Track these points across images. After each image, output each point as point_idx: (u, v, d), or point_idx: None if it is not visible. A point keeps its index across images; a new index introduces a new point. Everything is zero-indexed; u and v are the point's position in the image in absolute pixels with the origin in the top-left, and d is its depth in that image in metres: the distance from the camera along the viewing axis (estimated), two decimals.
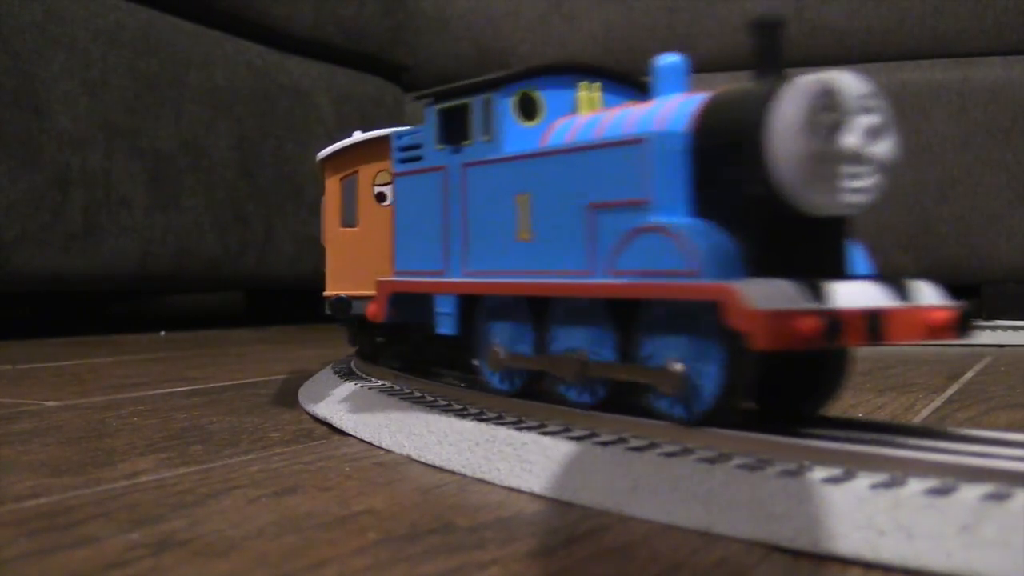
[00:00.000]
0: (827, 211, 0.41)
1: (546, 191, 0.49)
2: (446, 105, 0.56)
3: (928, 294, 0.41)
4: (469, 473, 0.46)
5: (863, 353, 0.59)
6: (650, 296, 0.43)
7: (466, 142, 0.54)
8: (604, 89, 0.55)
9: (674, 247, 0.41)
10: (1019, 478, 0.33)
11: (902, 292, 0.41)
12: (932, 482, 0.34)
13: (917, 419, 0.62)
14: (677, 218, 0.43)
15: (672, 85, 0.49)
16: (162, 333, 1.56)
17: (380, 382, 0.65)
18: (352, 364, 0.75)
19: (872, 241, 0.49)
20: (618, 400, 0.47)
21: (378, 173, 0.69)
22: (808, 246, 0.42)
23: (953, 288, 0.44)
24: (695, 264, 0.40)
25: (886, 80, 1.58)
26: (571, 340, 0.49)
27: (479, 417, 0.51)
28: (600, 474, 0.41)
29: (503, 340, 0.53)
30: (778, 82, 0.41)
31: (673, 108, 0.46)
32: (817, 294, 0.38)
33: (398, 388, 0.62)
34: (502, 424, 0.49)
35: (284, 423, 0.62)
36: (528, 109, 0.53)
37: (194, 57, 1.58)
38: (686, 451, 0.41)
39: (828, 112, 0.40)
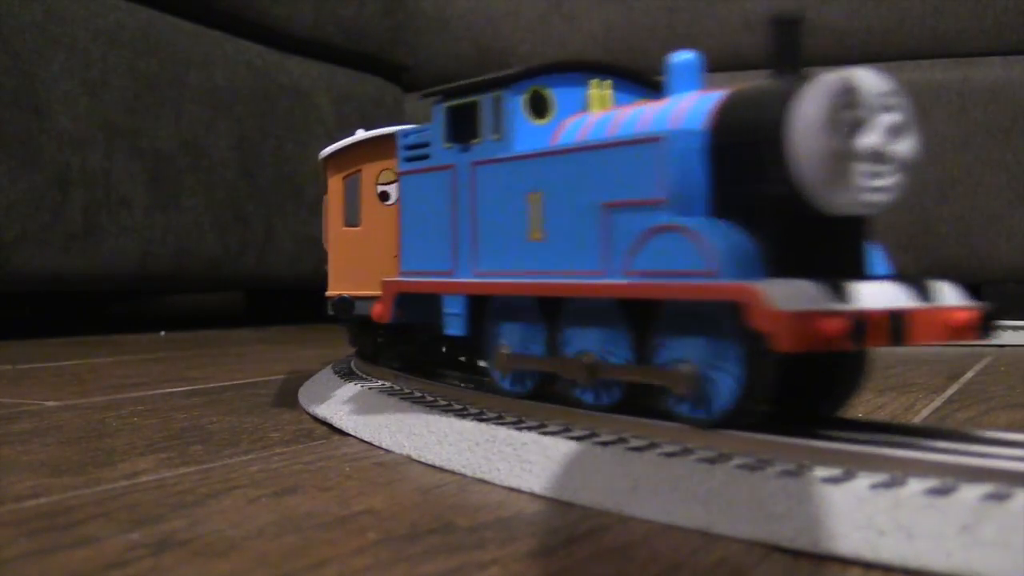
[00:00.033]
0: (847, 210, 0.41)
1: (559, 190, 0.48)
2: (454, 103, 0.55)
3: (949, 294, 0.41)
4: (469, 473, 0.46)
5: None
6: (668, 297, 0.42)
7: (475, 140, 0.53)
8: (615, 87, 0.54)
9: (692, 247, 0.41)
10: (1019, 478, 0.33)
11: (923, 292, 0.40)
12: (932, 482, 0.34)
13: (917, 419, 0.62)
14: (695, 217, 0.42)
15: (686, 83, 0.48)
16: (162, 333, 1.56)
17: (380, 382, 0.65)
18: (352, 364, 0.75)
19: (872, 241, 0.48)
20: (634, 403, 0.46)
21: (381, 172, 0.69)
22: (827, 246, 0.42)
23: None
24: (714, 264, 0.40)
25: None
26: (584, 342, 0.48)
27: (479, 417, 0.51)
28: (600, 474, 0.41)
29: (513, 341, 0.53)
30: (798, 80, 0.40)
31: (689, 106, 0.45)
32: (840, 294, 0.38)
33: (398, 388, 0.62)
34: (502, 424, 0.49)
35: (284, 423, 0.62)
36: (539, 107, 0.52)
37: (194, 57, 1.58)
38: (686, 451, 0.41)
39: (849, 110, 0.39)
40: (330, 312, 0.71)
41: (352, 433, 0.57)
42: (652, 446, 0.42)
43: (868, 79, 0.40)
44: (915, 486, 0.34)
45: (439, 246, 0.56)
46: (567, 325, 0.49)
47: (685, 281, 0.41)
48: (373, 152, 0.69)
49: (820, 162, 0.39)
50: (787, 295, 0.37)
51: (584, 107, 0.53)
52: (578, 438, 0.45)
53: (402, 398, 0.58)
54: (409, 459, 0.50)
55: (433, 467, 0.48)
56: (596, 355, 0.47)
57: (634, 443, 0.43)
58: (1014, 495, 0.32)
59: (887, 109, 0.40)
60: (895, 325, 0.38)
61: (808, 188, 0.40)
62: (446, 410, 0.54)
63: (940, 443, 0.39)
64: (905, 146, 0.41)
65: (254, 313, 2.05)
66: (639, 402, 0.46)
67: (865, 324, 0.37)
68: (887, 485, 0.35)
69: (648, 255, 0.43)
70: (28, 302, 2.04)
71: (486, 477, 0.45)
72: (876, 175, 0.40)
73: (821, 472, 0.36)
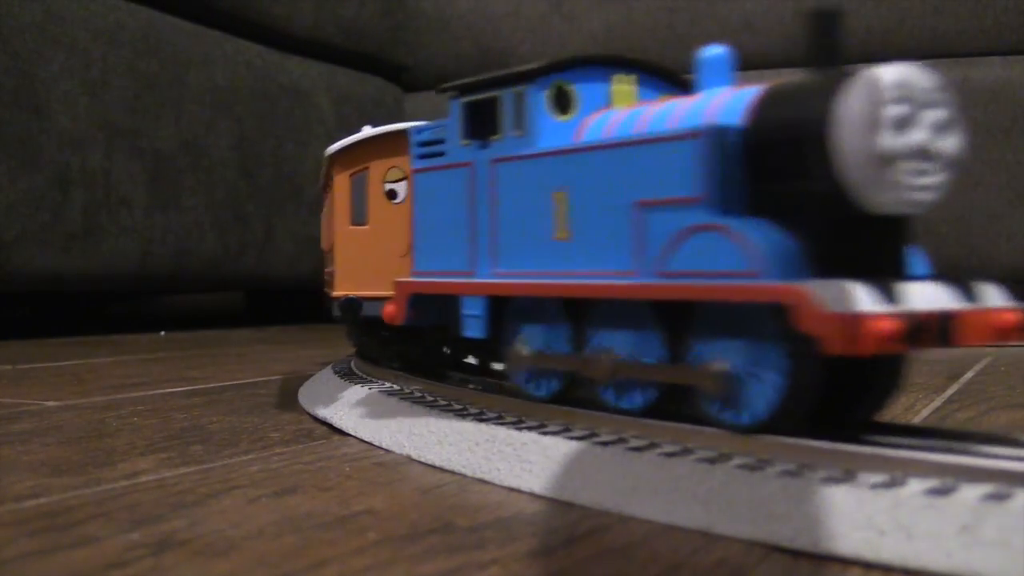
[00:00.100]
0: (892, 209, 0.39)
1: (587, 188, 0.47)
2: (473, 98, 0.53)
3: (994, 295, 0.39)
4: (469, 473, 0.46)
5: None
6: (709, 298, 0.41)
7: (495, 137, 0.52)
8: (638, 82, 0.52)
9: (733, 247, 0.39)
10: (1019, 478, 0.33)
11: (968, 293, 0.39)
12: (932, 482, 0.34)
13: (917, 419, 0.62)
14: (735, 216, 0.41)
15: (717, 78, 0.46)
16: (162, 333, 1.56)
17: (380, 382, 0.65)
18: (352, 364, 0.75)
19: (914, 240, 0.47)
20: (667, 408, 0.45)
21: (389, 169, 0.68)
22: (869, 245, 0.40)
23: None
24: (757, 265, 0.38)
25: None
26: (613, 345, 0.47)
27: (479, 417, 0.51)
28: (600, 474, 0.41)
29: (535, 344, 0.51)
30: (839, 75, 0.39)
31: (723, 102, 0.44)
32: (890, 295, 0.36)
33: (398, 388, 0.62)
34: (502, 424, 0.49)
35: (284, 423, 0.62)
36: (562, 102, 0.51)
37: (194, 57, 1.58)
38: (686, 451, 0.41)
39: (895, 106, 0.38)
40: (336, 313, 0.70)
41: (352, 433, 0.57)
42: (652, 446, 0.42)
43: (914, 74, 0.39)
44: (915, 486, 0.34)
45: (455, 246, 0.54)
46: (594, 327, 0.48)
47: (727, 282, 0.39)
48: (381, 149, 0.67)
49: (866, 160, 0.38)
50: (838, 296, 0.35)
51: (607, 103, 0.51)
52: (578, 438, 0.45)
53: (402, 398, 0.58)
54: (409, 459, 0.50)
55: (433, 467, 0.48)
56: (623, 356, 0.46)
57: (634, 443, 0.43)
58: (1014, 495, 0.32)
59: (933, 105, 0.39)
60: (943, 326, 0.37)
61: (853, 187, 0.38)
62: (446, 410, 0.54)
63: (940, 443, 0.39)
64: (951, 143, 0.39)
65: (254, 313, 2.05)
66: (672, 408, 0.45)
67: (920, 326, 0.36)
68: (887, 485, 0.35)
69: (685, 255, 0.41)
70: (28, 302, 2.04)
71: (486, 477, 0.45)
72: (922, 173, 0.39)
73: (821, 472, 0.36)
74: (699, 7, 1.78)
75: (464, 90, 0.54)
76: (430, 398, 0.58)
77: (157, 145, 1.51)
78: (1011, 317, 0.39)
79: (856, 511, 0.34)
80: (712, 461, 0.39)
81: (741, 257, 0.39)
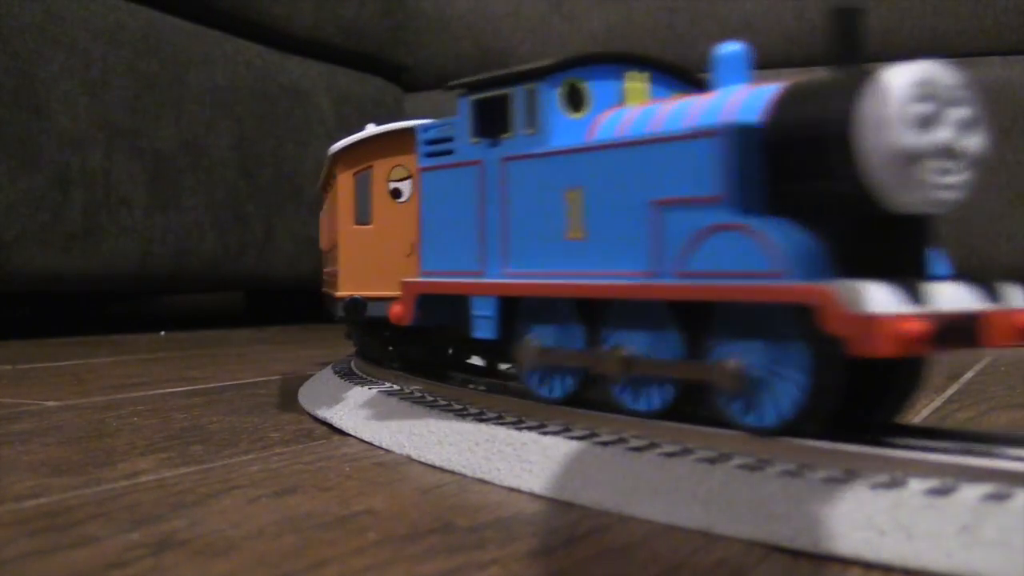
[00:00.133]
0: (916, 209, 0.38)
1: (602, 187, 0.46)
2: (482, 96, 0.52)
3: (1018, 296, 0.39)
4: (469, 473, 0.46)
5: None
6: (732, 299, 0.40)
7: (506, 135, 0.51)
8: (651, 80, 0.52)
9: (755, 246, 0.38)
10: (1019, 478, 0.33)
11: (992, 294, 0.38)
12: (932, 482, 0.34)
13: (917, 419, 0.62)
14: (755, 216, 0.40)
15: (734, 76, 0.45)
16: (162, 333, 1.56)
17: (380, 382, 0.65)
18: (352, 364, 0.75)
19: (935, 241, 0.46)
20: (683, 411, 0.44)
21: (393, 168, 0.67)
22: (892, 245, 0.40)
23: None
24: (781, 264, 0.38)
25: None
26: (629, 346, 0.46)
27: (479, 417, 0.51)
28: (600, 474, 0.41)
29: (548, 346, 0.50)
30: (861, 73, 0.38)
31: (741, 99, 0.43)
32: (916, 296, 0.36)
33: (398, 388, 0.62)
34: (502, 424, 0.49)
35: (284, 423, 0.62)
36: (575, 100, 0.50)
37: (194, 57, 1.58)
38: (686, 451, 0.41)
39: (920, 104, 0.37)
40: (340, 314, 0.69)
41: (352, 433, 0.57)
42: (652, 446, 0.42)
43: (938, 71, 0.38)
44: (915, 486, 0.34)
45: (464, 245, 0.53)
46: (609, 328, 0.47)
47: (750, 283, 0.39)
48: (385, 148, 0.67)
49: (890, 159, 0.37)
50: (865, 297, 0.35)
51: (620, 101, 0.50)
52: (578, 438, 0.45)
53: (402, 398, 0.58)
54: (409, 459, 0.50)
55: (433, 467, 0.48)
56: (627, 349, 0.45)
57: (634, 443, 0.43)
58: (1014, 495, 0.32)
59: (957, 103, 0.38)
60: (970, 328, 0.37)
61: (877, 186, 0.37)
62: (446, 410, 0.54)
63: (940, 443, 0.39)
64: (975, 142, 0.39)
65: (254, 313, 2.05)
66: (689, 410, 0.44)
67: (949, 327, 0.35)
68: (887, 485, 0.35)
69: (705, 255, 0.41)
70: (28, 302, 2.04)
71: (486, 477, 0.45)
72: (946, 172, 0.38)
73: (821, 472, 0.36)
74: (699, 7, 1.78)
75: (474, 87, 0.53)
76: (430, 398, 0.58)
77: (157, 145, 1.51)
78: None
79: (856, 511, 0.34)
80: (712, 461, 0.39)
81: (763, 257, 0.38)
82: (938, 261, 0.42)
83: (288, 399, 0.73)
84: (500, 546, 0.35)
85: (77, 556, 0.34)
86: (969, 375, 0.86)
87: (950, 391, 0.75)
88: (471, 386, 0.59)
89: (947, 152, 0.38)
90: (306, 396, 0.71)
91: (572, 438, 0.45)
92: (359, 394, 0.62)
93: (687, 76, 0.53)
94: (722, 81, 0.45)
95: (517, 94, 0.50)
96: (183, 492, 0.43)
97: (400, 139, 0.66)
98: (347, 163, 0.69)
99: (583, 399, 0.49)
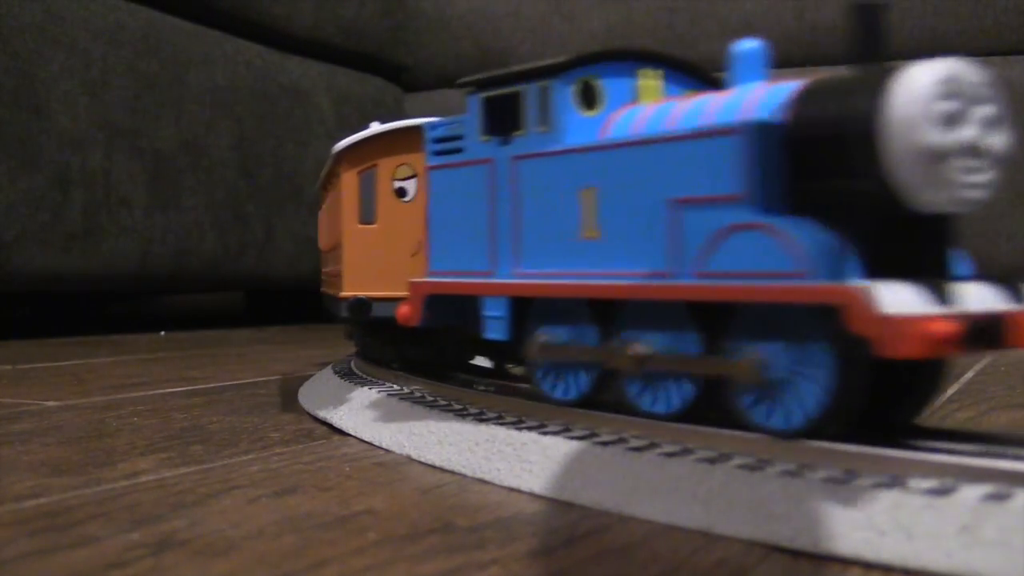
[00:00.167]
0: (942, 208, 0.38)
1: (617, 186, 0.45)
2: (493, 93, 0.51)
3: None
4: (469, 473, 0.46)
5: None
6: (755, 299, 0.39)
7: (518, 133, 0.50)
8: (665, 77, 0.51)
9: (779, 246, 0.38)
10: (1019, 478, 0.33)
11: (1016, 294, 0.38)
12: (932, 482, 0.34)
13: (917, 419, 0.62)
14: (777, 215, 0.39)
15: (751, 73, 0.44)
16: (162, 333, 1.56)
17: (380, 382, 0.65)
18: (352, 364, 0.75)
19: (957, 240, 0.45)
20: (700, 413, 0.43)
21: (398, 167, 0.67)
22: (916, 245, 0.39)
23: None
24: (805, 264, 0.37)
25: None
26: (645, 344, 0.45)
27: (479, 417, 0.51)
28: (600, 474, 0.41)
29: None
30: (885, 70, 0.37)
31: (759, 97, 0.42)
32: (943, 296, 0.35)
33: (398, 388, 0.62)
34: (502, 424, 0.49)
35: (284, 423, 0.62)
36: (588, 98, 0.49)
37: (194, 57, 1.58)
38: (686, 451, 0.41)
39: (945, 101, 0.36)
40: (345, 314, 0.68)
41: (352, 433, 0.57)
42: (652, 446, 0.42)
43: (963, 68, 0.37)
44: (915, 486, 0.34)
45: (474, 245, 0.53)
46: (625, 329, 0.46)
47: (773, 283, 0.38)
48: (390, 146, 0.66)
49: (916, 157, 0.36)
50: (894, 297, 0.34)
51: (633, 98, 0.50)
52: (578, 438, 0.45)
53: (402, 398, 0.58)
54: (409, 459, 0.50)
55: (433, 467, 0.48)
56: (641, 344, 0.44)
57: (634, 443, 0.43)
58: (1014, 495, 0.32)
59: (982, 100, 0.37)
60: (995, 328, 0.36)
61: (902, 185, 0.37)
62: (446, 410, 0.54)
63: (940, 443, 0.39)
64: (1000, 139, 0.38)
65: (254, 313, 2.05)
66: (707, 413, 0.43)
67: (975, 328, 0.35)
68: (887, 485, 0.35)
69: (726, 255, 0.40)
70: (28, 302, 2.04)
71: (486, 477, 0.45)
72: (972, 171, 0.37)
73: (821, 472, 0.36)
74: (699, 7, 1.78)
75: (484, 85, 0.52)
76: (430, 398, 0.58)
77: (157, 145, 1.51)
78: None
79: (856, 511, 0.34)
80: (712, 461, 0.39)
81: (787, 257, 0.37)
82: (960, 261, 0.41)
83: (288, 399, 0.73)
84: (500, 546, 0.35)
85: (77, 556, 0.34)
86: (969, 375, 0.86)
87: (950, 391, 0.75)
88: (481, 388, 0.58)
89: (972, 150, 0.37)
90: (306, 396, 0.71)
91: (572, 438, 0.45)
92: (359, 394, 0.62)
93: (701, 73, 0.52)
94: (738, 79, 0.45)
95: (529, 91, 0.49)
96: (183, 492, 0.43)
97: (405, 137, 0.66)
98: (351, 161, 0.69)
99: (597, 402, 0.48)
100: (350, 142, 0.70)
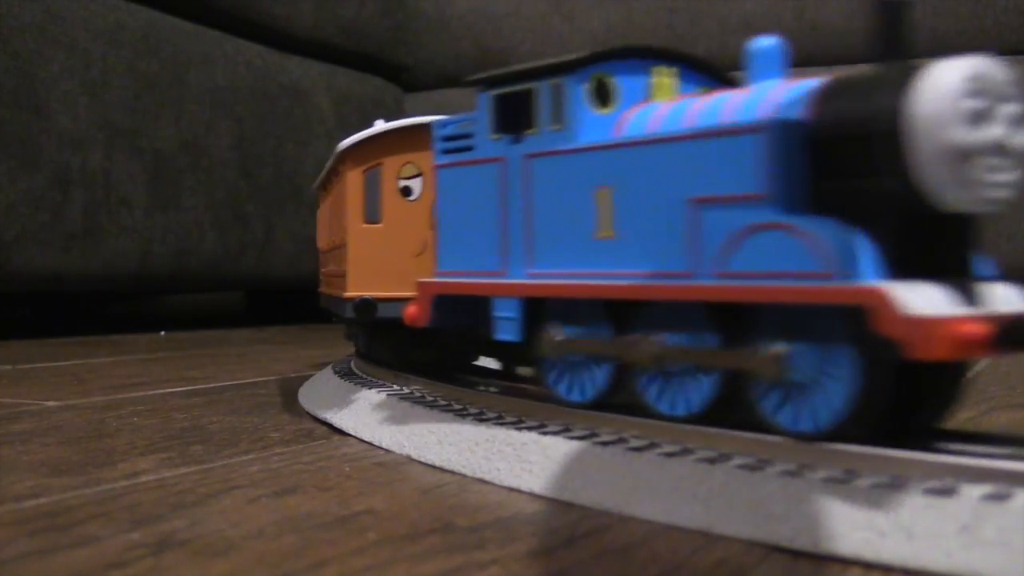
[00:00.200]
0: (967, 208, 0.37)
1: (634, 185, 0.44)
2: (504, 91, 0.50)
3: None
4: (469, 473, 0.46)
5: None
6: (779, 300, 0.38)
7: (531, 131, 0.49)
8: (679, 75, 0.50)
9: (803, 246, 0.37)
10: (1019, 478, 0.33)
11: None
12: (932, 482, 0.34)
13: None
14: (799, 214, 0.38)
15: (769, 71, 0.44)
16: (162, 333, 1.56)
17: (381, 382, 0.65)
18: (352, 364, 0.75)
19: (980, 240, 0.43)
20: (720, 416, 0.42)
21: (403, 166, 0.66)
22: (940, 245, 0.38)
23: None
24: (831, 265, 0.36)
25: None
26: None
27: (479, 417, 0.51)
28: (600, 474, 0.41)
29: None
30: (909, 68, 0.37)
31: (779, 95, 0.41)
32: (971, 297, 0.35)
33: (398, 388, 0.62)
34: (502, 424, 0.49)
35: (284, 423, 0.62)
36: (603, 96, 0.48)
37: (194, 57, 1.58)
38: (686, 451, 0.41)
39: (971, 99, 0.36)
40: (350, 315, 0.68)
41: (352, 433, 0.57)
42: (652, 446, 0.42)
43: (989, 66, 0.36)
44: (915, 486, 0.34)
45: (485, 245, 0.52)
46: (641, 331, 0.45)
47: (798, 283, 0.37)
48: (395, 145, 0.66)
49: (943, 156, 0.35)
50: (922, 298, 0.34)
51: (647, 96, 0.49)
52: (578, 438, 0.45)
53: (402, 398, 0.58)
54: (409, 459, 0.50)
55: (433, 467, 0.48)
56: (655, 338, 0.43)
57: (634, 443, 0.43)
58: (1014, 495, 0.32)
59: (1008, 99, 0.37)
60: (1021, 330, 0.35)
61: (927, 184, 0.36)
62: (446, 410, 0.54)
63: (940, 443, 0.39)
64: None
65: (254, 313, 2.05)
66: (727, 416, 0.42)
67: (1006, 328, 0.34)
68: (887, 485, 0.35)
69: (748, 255, 0.39)
70: (28, 302, 2.04)
71: (486, 477, 0.45)
72: (997, 170, 0.36)
73: (821, 472, 0.36)
74: (699, 7, 1.78)
75: (495, 82, 0.51)
76: (430, 398, 0.58)
77: (157, 145, 1.51)
78: None
79: (856, 511, 0.34)
80: (712, 461, 0.39)
81: (811, 257, 0.37)
82: (983, 262, 0.41)
83: (288, 399, 0.73)
84: (500, 546, 0.35)
85: (77, 556, 0.34)
86: (969, 375, 0.86)
87: None
88: (492, 390, 0.57)
89: (999, 149, 0.36)
90: (306, 396, 0.71)
91: (572, 438, 0.45)
92: (359, 394, 0.62)
93: (715, 72, 0.51)
94: (756, 76, 0.44)
95: (542, 89, 0.49)
96: (183, 492, 0.43)
97: (410, 136, 0.65)
98: (356, 160, 0.68)
99: (612, 404, 0.47)
100: (355, 140, 0.69)
